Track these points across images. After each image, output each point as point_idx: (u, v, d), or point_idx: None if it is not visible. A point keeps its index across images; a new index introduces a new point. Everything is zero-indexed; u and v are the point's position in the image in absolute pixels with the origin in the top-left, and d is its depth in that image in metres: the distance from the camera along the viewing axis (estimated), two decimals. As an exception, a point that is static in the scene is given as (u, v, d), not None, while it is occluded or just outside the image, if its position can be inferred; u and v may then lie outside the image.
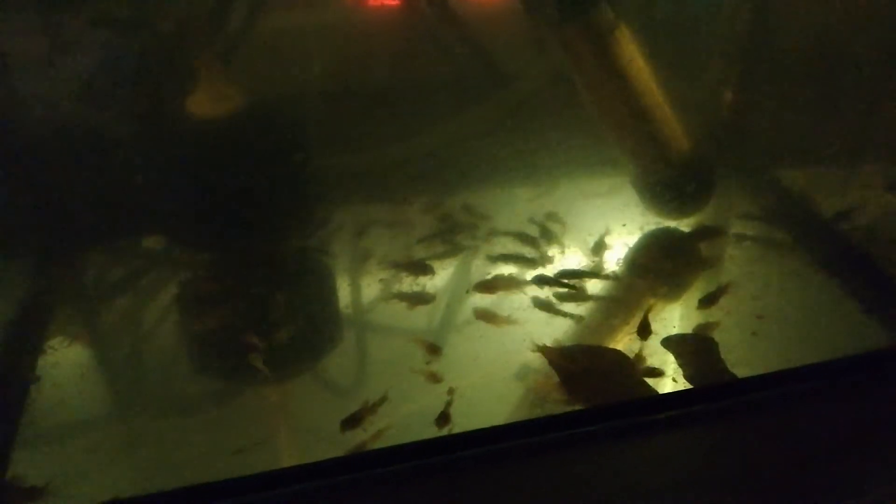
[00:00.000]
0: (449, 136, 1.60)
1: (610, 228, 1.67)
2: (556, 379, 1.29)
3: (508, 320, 1.47)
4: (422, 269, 1.59)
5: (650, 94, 1.52)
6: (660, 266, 1.60)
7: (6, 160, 1.40)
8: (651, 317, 1.42)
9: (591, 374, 1.29)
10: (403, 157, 1.60)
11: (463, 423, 1.21)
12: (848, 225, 1.62)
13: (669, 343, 1.37)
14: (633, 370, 1.31)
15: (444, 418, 1.21)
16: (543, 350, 1.33)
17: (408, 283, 1.57)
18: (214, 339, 1.46)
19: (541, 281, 1.54)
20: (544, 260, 1.61)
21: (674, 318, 1.48)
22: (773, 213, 1.73)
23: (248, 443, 1.20)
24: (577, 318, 1.48)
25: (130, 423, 1.33)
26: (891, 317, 1.46)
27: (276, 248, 1.63)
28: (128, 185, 1.46)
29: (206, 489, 1.09)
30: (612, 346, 1.39)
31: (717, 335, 1.38)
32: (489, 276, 1.57)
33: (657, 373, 1.32)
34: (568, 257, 1.63)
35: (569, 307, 1.50)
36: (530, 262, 1.61)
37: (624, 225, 1.68)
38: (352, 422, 1.21)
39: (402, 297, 1.54)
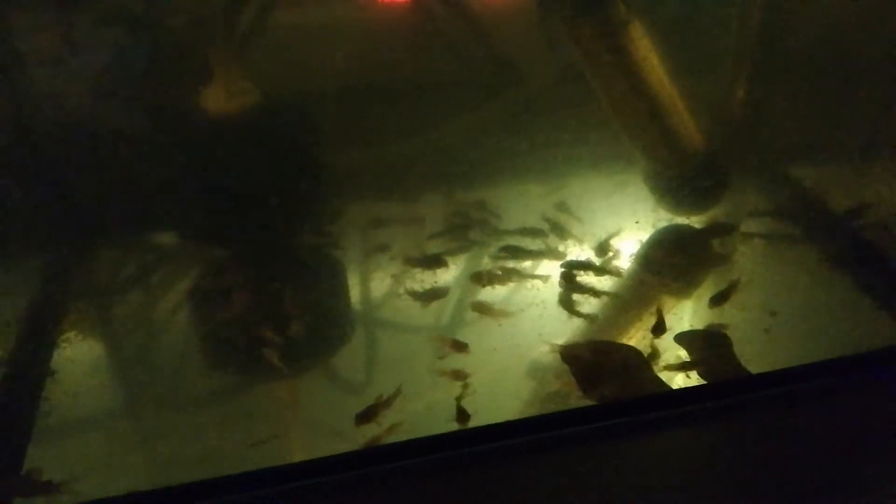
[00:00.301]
0: (461, 132, 1.60)
1: (620, 228, 1.67)
2: (568, 375, 1.29)
3: (503, 313, 1.47)
4: (437, 262, 1.58)
5: (663, 90, 1.52)
6: (672, 262, 1.59)
7: (22, 156, 1.41)
8: (664, 313, 1.42)
9: (603, 370, 1.29)
10: (415, 153, 1.60)
11: (475, 418, 1.22)
12: (861, 221, 1.61)
13: (683, 339, 1.36)
14: (647, 366, 1.30)
15: (462, 415, 1.21)
16: (558, 349, 1.32)
17: (419, 279, 1.57)
18: (228, 334, 1.46)
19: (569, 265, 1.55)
20: (555, 255, 1.61)
21: (686, 314, 1.48)
22: (786, 209, 1.72)
23: (262, 437, 1.20)
24: (590, 315, 1.47)
25: (145, 418, 1.34)
26: (905, 313, 1.45)
27: (288, 244, 1.63)
28: (141, 181, 1.47)
29: (221, 483, 1.09)
30: (624, 342, 1.39)
31: (730, 331, 1.38)
32: (485, 269, 1.57)
33: (679, 367, 1.31)
34: (580, 253, 1.63)
35: (579, 302, 1.51)
36: (539, 256, 1.61)
37: (637, 222, 1.67)
38: (366, 416, 1.21)
39: (416, 293, 1.54)
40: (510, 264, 1.59)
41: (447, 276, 1.58)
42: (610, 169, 1.70)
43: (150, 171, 1.46)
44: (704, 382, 1.28)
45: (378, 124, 1.53)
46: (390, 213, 1.67)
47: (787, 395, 1.23)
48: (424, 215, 1.67)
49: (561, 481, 1.09)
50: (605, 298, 1.52)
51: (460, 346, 1.38)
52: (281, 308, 1.49)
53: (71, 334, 1.42)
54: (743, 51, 1.63)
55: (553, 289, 1.53)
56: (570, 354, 1.32)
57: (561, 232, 1.66)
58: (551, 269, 1.58)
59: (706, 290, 1.52)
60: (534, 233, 1.65)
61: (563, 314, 1.48)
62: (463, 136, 1.59)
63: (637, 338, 1.41)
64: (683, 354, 1.34)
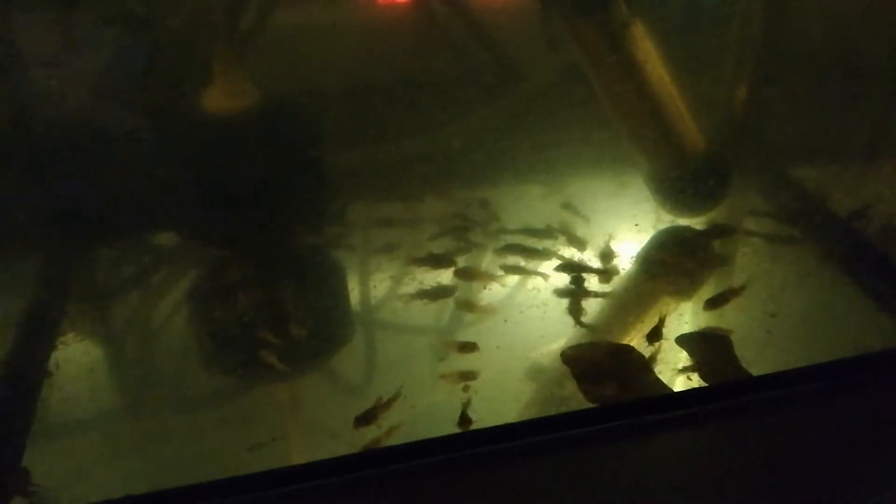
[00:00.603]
0: (461, 132, 1.59)
1: (613, 234, 1.66)
2: (568, 376, 1.28)
3: (489, 309, 1.47)
4: (443, 262, 1.58)
5: (665, 90, 1.52)
6: (673, 264, 1.59)
7: (20, 156, 1.41)
8: (664, 318, 1.42)
9: (604, 372, 1.28)
10: (415, 154, 1.60)
11: (476, 420, 1.21)
12: (863, 222, 1.61)
13: (683, 341, 1.36)
14: (647, 368, 1.30)
15: (465, 421, 1.20)
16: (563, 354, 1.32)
17: (419, 280, 1.56)
18: (229, 334, 1.45)
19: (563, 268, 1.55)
20: (556, 256, 1.61)
21: (687, 315, 1.47)
22: (788, 210, 1.72)
23: (261, 439, 1.19)
24: (591, 325, 1.47)
25: (142, 420, 1.33)
26: (907, 314, 1.45)
27: (288, 245, 1.62)
28: (140, 181, 1.46)
29: (219, 486, 1.08)
30: (625, 343, 1.38)
31: (730, 333, 1.37)
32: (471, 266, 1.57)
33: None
34: (581, 255, 1.62)
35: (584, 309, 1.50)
36: (539, 255, 1.60)
37: (636, 224, 1.67)
38: (366, 418, 1.20)
39: (423, 292, 1.53)
40: (510, 262, 1.59)
41: (448, 276, 1.57)
42: (611, 170, 1.70)
43: (149, 171, 1.46)
44: (705, 384, 1.27)
45: (378, 125, 1.53)
46: (391, 213, 1.66)
47: (788, 397, 1.23)
48: (425, 216, 1.66)
49: (561, 484, 1.08)
50: (606, 300, 1.52)
51: (469, 347, 1.37)
52: (281, 309, 1.48)
53: (68, 336, 1.41)
54: (744, 51, 1.63)
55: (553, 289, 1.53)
56: (571, 356, 1.31)
57: (564, 233, 1.65)
58: (547, 269, 1.58)
59: (707, 291, 1.52)
60: (534, 233, 1.65)
61: (563, 315, 1.47)
62: (463, 137, 1.58)
63: (638, 340, 1.41)
64: (684, 356, 1.34)
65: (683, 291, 1.54)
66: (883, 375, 1.27)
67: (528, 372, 1.35)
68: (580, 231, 1.66)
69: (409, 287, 1.55)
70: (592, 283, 1.54)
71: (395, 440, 1.18)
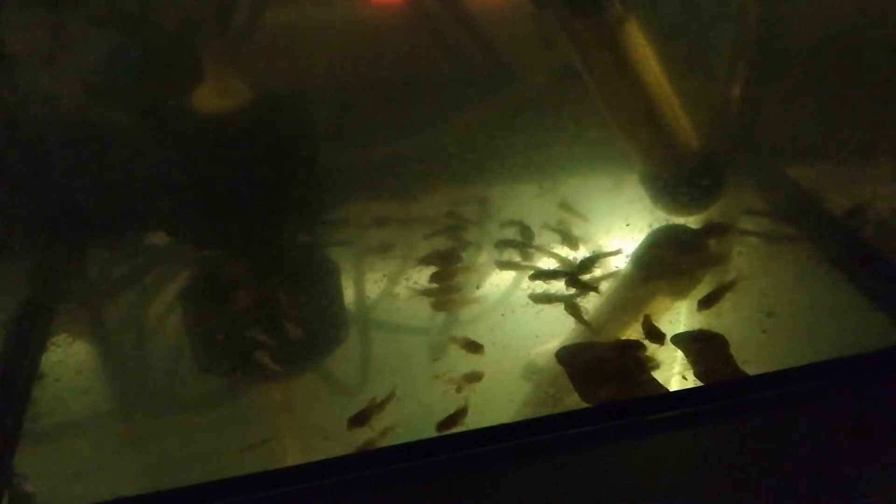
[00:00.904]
0: (455, 132, 1.59)
1: (613, 230, 1.66)
2: (564, 376, 1.28)
3: (466, 301, 1.48)
4: (453, 259, 1.58)
5: (660, 89, 1.51)
6: (669, 263, 1.58)
7: (11, 156, 1.40)
8: (658, 315, 1.41)
9: (600, 372, 1.28)
10: (409, 153, 1.59)
11: (470, 421, 1.20)
12: (859, 221, 1.61)
13: (680, 340, 1.35)
14: (643, 368, 1.29)
15: (449, 423, 1.19)
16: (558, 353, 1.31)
17: (413, 280, 1.56)
18: (223, 335, 1.45)
19: (539, 276, 1.54)
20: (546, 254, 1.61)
21: (682, 315, 1.47)
22: (784, 209, 1.72)
23: (254, 440, 1.19)
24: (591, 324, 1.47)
25: (135, 421, 1.32)
26: (903, 313, 1.45)
27: (281, 244, 1.62)
28: (132, 181, 1.45)
29: (212, 487, 1.08)
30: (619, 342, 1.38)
31: (727, 332, 1.37)
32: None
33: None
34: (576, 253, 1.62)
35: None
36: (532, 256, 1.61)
37: (627, 224, 1.67)
38: (359, 419, 1.20)
39: (431, 290, 1.53)
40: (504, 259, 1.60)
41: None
42: (606, 169, 1.70)
43: (141, 171, 1.45)
44: (701, 384, 1.27)
45: (372, 124, 1.52)
46: (386, 212, 1.66)
47: (784, 396, 1.23)
48: (420, 215, 1.66)
49: (556, 484, 1.08)
50: (601, 299, 1.51)
51: (475, 347, 1.37)
52: (275, 309, 1.48)
53: (60, 337, 1.40)
54: (739, 50, 1.63)
55: (550, 288, 1.52)
56: (566, 356, 1.31)
57: (558, 232, 1.65)
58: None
59: (703, 290, 1.51)
60: (528, 231, 1.65)
61: (558, 314, 1.47)
62: (458, 136, 1.58)
63: (633, 339, 1.40)
64: (680, 356, 1.33)
65: (679, 291, 1.54)
66: (879, 374, 1.27)
67: (523, 372, 1.35)
68: (575, 230, 1.66)
69: (415, 284, 1.54)
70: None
71: (390, 441, 1.17)
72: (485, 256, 1.62)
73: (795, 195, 1.73)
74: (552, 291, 1.52)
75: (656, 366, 1.30)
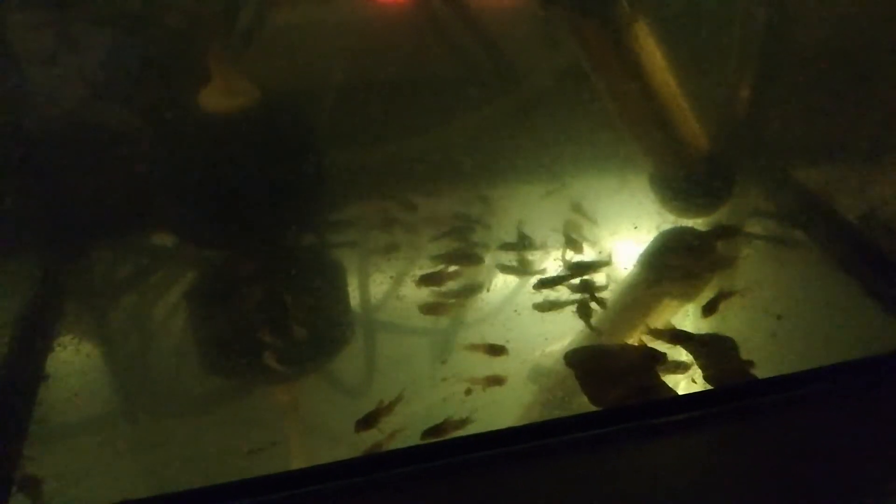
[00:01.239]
0: (461, 133, 1.58)
1: (620, 232, 1.66)
2: (571, 378, 1.27)
3: (455, 305, 1.47)
4: (469, 259, 1.58)
5: (668, 90, 1.51)
6: (677, 266, 1.58)
7: (16, 156, 1.39)
8: (666, 317, 1.41)
9: (608, 375, 1.27)
10: (416, 154, 1.59)
11: (476, 423, 1.20)
12: (869, 224, 1.60)
13: (687, 342, 1.34)
14: (652, 370, 1.29)
15: (438, 430, 1.19)
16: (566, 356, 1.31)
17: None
18: (226, 337, 1.44)
19: (544, 284, 1.52)
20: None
21: (690, 317, 1.47)
22: (793, 212, 1.72)
23: (261, 443, 1.18)
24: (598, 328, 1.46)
25: (140, 423, 1.32)
26: (913, 317, 1.44)
27: (287, 245, 1.61)
28: (138, 182, 1.45)
29: (218, 490, 1.07)
30: (628, 345, 1.37)
31: (736, 335, 1.36)
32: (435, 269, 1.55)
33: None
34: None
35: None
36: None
37: (635, 227, 1.67)
38: (366, 422, 1.19)
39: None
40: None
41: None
42: (613, 170, 1.69)
43: (146, 171, 1.45)
44: (711, 387, 1.26)
45: (378, 124, 1.52)
46: (391, 213, 1.65)
47: (794, 399, 1.22)
48: (426, 216, 1.66)
49: (564, 488, 1.08)
50: (610, 301, 1.51)
51: (498, 350, 1.36)
52: (281, 310, 1.48)
53: (66, 338, 1.40)
54: (748, 50, 1.62)
55: (559, 296, 1.52)
56: (575, 358, 1.30)
57: (564, 234, 1.65)
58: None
59: (711, 293, 1.51)
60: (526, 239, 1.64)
61: (565, 316, 1.46)
62: (464, 136, 1.57)
63: (641, 341, 1.39)
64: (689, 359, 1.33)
65: (687, 293, 1.53)
66: (889, 377, 1.26)
67: (531, 374, 1.34)
68: (584, 232, 1.66)
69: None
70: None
71: (398, 444, 1.17)
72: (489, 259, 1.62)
73: (804, 197, 1.73)
74: (558, 298, 1.51)
75: (667, 370, 1.30)
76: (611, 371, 1.27)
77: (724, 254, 1.62)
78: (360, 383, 1.36)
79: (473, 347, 1.37)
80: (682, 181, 1.64)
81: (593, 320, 1.44)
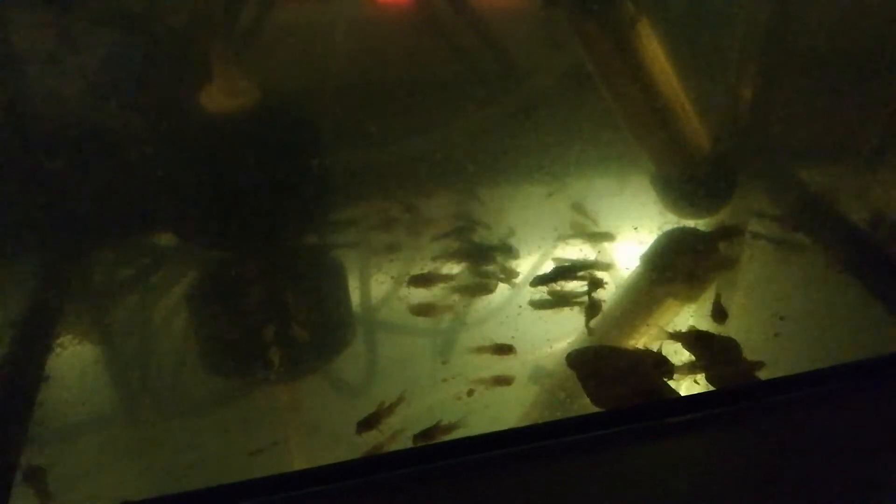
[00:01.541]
0: (463, 133, 1.58)
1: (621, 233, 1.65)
2: (573, 379, 1.27)
3: (445, 308, 1.47)
4: (482, 257, 1.58)
5: (672, 90, 1.51)
6: (679, 266, 1.58)
7: (17, 157, 1.40)
8: (668, 317, 1.40)
9: (610, 376, 1.27)
10: (417, 154, 1.59)
11: (476, 424, 1.19)
12: (872, 225, 1.60)
13: (690, 343, 1.34)
14: (654, 371, 1.28)
15: (428, 434, 1.18)
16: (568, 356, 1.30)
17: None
18: (228, 338, 1.44)
19: (539, 281, 1.52)
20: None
21: (692, 318, 1.46)
22: (796, 212, 1.71)
23: (262, 444, 1.18)
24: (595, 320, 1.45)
25: (141, 424, 1.32)
26: (916, 318, 1.44)
27: (288, 246, 1.62)
28: (138, 182, 1.45)
29: (219, 492, 1.07)
30: (631, 346, 1.37)
31: (738, 336, 1.36)
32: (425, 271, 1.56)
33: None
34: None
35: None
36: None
37: (635, 229, 1.66)
38: (368, 424, 1.19)
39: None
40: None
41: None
42: (616, 171, 1.69)
43: (147, 171, 1.45)
44: (713, 388, 1.26)
45: (380, 124, 1.52)
46: (393, 214, 1.65)
47: (796, 400, 1.22)
48: (427, 216, 1.66)
49: (565, 489, 1.07)
50: (612, 301, 1.51)
51: (506, 350, 1.36)
52: (282, 311, 1.48)
53: (66, 338, 1.40)
54: (751, 51, 1.62)
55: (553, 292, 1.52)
56: (577, 359, 1.30)
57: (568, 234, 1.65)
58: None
59: (713, 292, 1.51)
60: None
61: (566, 316, 1.46)
62: (466, 137, 1.57)
63: (644, 342, 1.39)
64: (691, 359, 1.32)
65: (689, 293, 1.53)
66: (892, 378, 1.26)
67: (532, 374, 1.34)
68: (584, 232, 1.66)
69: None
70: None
71: (399, 445, 1.17)
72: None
73: (807, 198, 1.73)
74: (556, 295, 1.52)
75: (670, 373, 1.29)
76: (613, 372, 1.27)
77: (727, 254, 1.62)
78: (361, 384, 1.36)
79: (481, 349, 1.37)
80: (685, 181, 1.64)
81: (593, 321, 1.44)
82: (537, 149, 1.59)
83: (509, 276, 1.57)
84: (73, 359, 1.37)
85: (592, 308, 1.44)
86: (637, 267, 1.59)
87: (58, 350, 1.38)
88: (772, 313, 1.43)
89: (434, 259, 1.57)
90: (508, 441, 1.14)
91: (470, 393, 1.26)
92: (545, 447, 1.14)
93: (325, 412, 1.31)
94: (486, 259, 1.60)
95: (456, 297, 1.51)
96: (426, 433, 1.17)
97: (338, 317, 1.52)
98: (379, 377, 1.37)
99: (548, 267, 1.57)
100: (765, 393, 1.23)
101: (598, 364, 1.28)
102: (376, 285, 1.55)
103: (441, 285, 1.53)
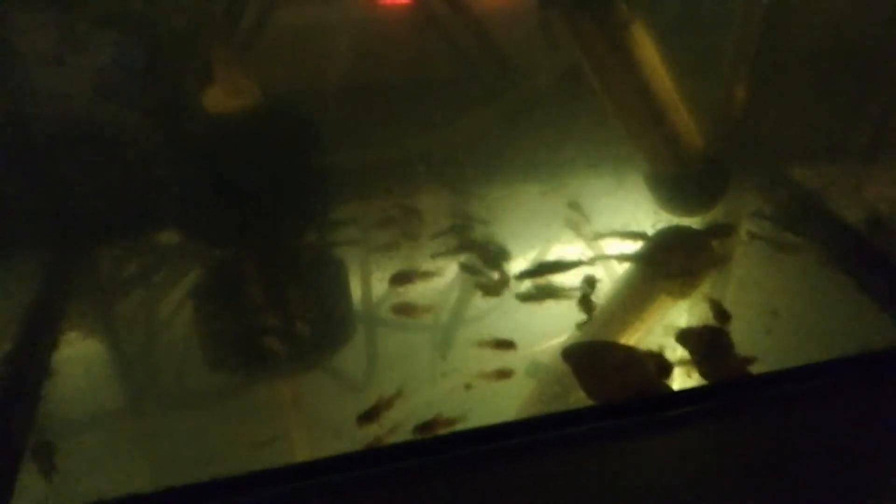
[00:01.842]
0: (461, 132, 1.59)
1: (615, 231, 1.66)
2: (568, 374, 1.28)
3: (427, 309, 1.47)
4: (499, 255, 1.58)
5: (665, 89, 1.52)
6: (673, 263, 1.59)
7: (21, 155, 1.40)
8: (661, 314, 1.42)
9: (604, 371, 1.28)
10: (416, 153, 1.60)
11: (473, 418, 1.21)
12: (863, 222, 1.61)
13: (683, 338, 1.36)
14: (647, 366, 1.30)
15: (426, 427, 1.20)
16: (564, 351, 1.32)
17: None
18: (230, 333, 1.45)
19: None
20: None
21: (685, 313, 1.48)
22: (788, 210, 1.73)
23: (264, 437, 1.19)
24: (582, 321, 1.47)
25: (145, 418, 1.33)
26: (906, 313, 1.45)
27: (289, 243, 1.62)
28: (141, 181, 1.46)
29: (222, 484, 1.08)
30: (625, 342, 1.39)
31: (731, 332, 1.37)
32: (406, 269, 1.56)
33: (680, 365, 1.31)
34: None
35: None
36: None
37: (633, 226, 1.68)
38: (368, 417, 1.20)
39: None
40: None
41: (445, 276, 1.57)
42: (610, 169, 1.70)
43: (150, 170, 1.45)
44: (705, 383, 1.28)
45: (380, 124, 1.53)
46: (392, 212, 1.66)
47: (788, 395, 1.23)
48: (426, 215, 1.67)
49: (560, 482, 1.08)
50: (607, 298, 1.52)
51: (507, 345, 1.38)
52: (284, 307, 1.48)
53: (71, 334, 1.41)
54: (744, 51, 1.63)
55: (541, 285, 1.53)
56: (572, 354, 1.31)
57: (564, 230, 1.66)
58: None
59: (707, 289, 1.52)
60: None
61: (562, 312, 1.47)
62: (464, 136, 1.58)
63: (637, 337, 1.41)
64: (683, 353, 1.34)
65: (683, 291, 1.54)
66: (883, 373, 1.27)
67: (528, 369, 1.35)
68: (579, 230, 1.67)
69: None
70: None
71: (398, 438, 1.18)
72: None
73: (800, 195, 1.74)
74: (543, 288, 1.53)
75: (666, 370, 1.31)
76: (607, 366, 1.28)
77: (720, 252, 1.64)
78: (362, 378, 1.37)
79: (482, 344, 1.38)
80: (679, 180, 1.65)
81: (587, 319, 1.45)
82: (534, 147, 1.60)
83: (503, 278, 1.58)
84: (77, 354, 1.38)
85: (586, 306, 1.46)
86: (631, 264, 1.60)
87: (62, 345, 1.39)
88: (764, 310, 1.44)
89: (433, 256, 1.58)
90: (505, 434, 1.15)
91: (467, 387, 1.28)
92: (540, 440, 1.15)
93: (327, 406, 1.32)
94: (484, 256, 1.60)
95: (440, 296, 1.52)
96: (426, 426, 1.19)
97: (339, 313, 1.54)
98: (379, 372, 1.38)
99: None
100: (757, 388, 1.25)
101: (593, 359, 1.30)
102: (376, 282, 1.57)
103: (421, 283, 1.53)
